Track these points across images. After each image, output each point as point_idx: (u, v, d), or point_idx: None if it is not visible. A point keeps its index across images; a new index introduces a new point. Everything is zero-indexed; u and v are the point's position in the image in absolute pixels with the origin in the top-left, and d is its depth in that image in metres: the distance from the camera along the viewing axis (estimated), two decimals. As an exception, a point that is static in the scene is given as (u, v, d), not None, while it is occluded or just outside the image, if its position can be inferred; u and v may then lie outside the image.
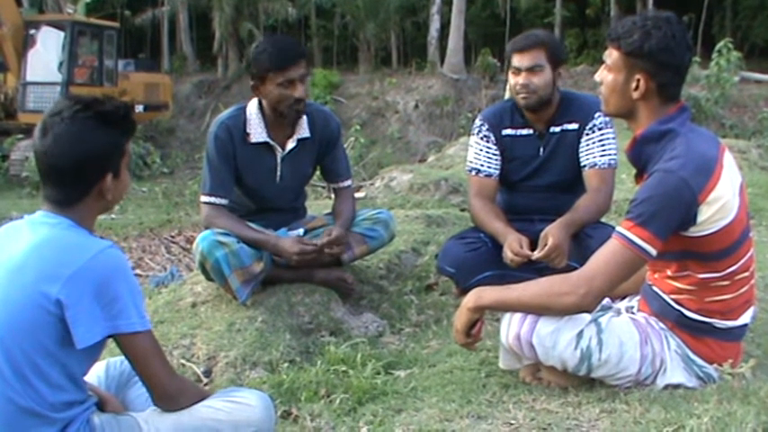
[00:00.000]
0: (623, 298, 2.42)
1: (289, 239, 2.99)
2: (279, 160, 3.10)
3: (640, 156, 2.14)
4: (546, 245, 2.81)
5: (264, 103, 3.02)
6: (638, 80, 2.08)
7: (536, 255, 2.82)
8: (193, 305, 3.09)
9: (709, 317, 2.11)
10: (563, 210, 2.99)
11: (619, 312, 2.30)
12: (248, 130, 3.03)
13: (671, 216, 1.98)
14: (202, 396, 1.84)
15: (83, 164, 1.70)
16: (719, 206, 2.00)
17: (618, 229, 2.06)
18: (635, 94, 2.10)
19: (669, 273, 2.14)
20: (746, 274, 2.13)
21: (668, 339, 2.15)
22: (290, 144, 3.09)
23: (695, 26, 22.35)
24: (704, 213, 2.00)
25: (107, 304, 1.64)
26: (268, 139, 3.05)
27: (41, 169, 1.73)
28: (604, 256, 2.05)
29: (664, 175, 1.99)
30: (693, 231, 2.03)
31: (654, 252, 2.01)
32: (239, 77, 23.03)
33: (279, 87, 2.91)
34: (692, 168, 1.99)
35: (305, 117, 3.09)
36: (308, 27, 27.88)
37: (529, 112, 3.18)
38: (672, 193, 1.97)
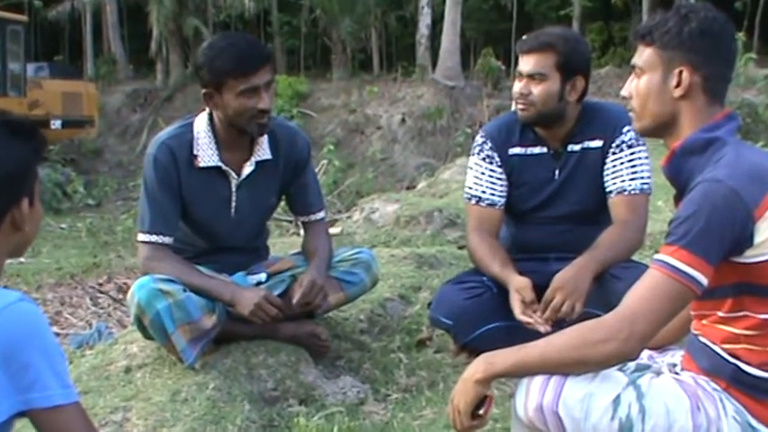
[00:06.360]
0: (661, 350, 2.43)
1: (250, 291, 3.01)
2: (234, 188, 3.13)
3: (681, 171, 2.14)
4: (554, 297, 2.86)
5: (218, 117, 3.04)
6: (680, 73, 2.10)
7: (539, 310, 2.88)
8: (127, 370, 3.09)
9: None
10: (584, 246, 3.02)
11: (659, 372, 2.29)
12: (196, 152, 3.05)
13: (721, 235, 1.97)
14: None
15: None
16: None
17: (656, 256, 2.04)
18: (677, 92, 2.11)
19: (720, 314, 2.13)
20: None
21: (724, 403, 2.13)
22: (247, 168, 3.11)
23: (751, 15, 22.44)
24: (762, 232, 1.98)
25: (16, 373, 1.61)
26: (220, 164, 3.07)
27: None
28: (644, 291, 2.03)
29: (709, 185, 1.99)
30: (750, 256, 2.02)
31: (704, 281, 1.99)
32: (184, 86, 23.12)
33: (240, 97, 2.91)
34: (745, 178, 1.98)
35: (265, 135, 3.13)
36: (268, 24, 28.05)
37: (540, 128, 3.22)
38: (721, 207, 1.96)
